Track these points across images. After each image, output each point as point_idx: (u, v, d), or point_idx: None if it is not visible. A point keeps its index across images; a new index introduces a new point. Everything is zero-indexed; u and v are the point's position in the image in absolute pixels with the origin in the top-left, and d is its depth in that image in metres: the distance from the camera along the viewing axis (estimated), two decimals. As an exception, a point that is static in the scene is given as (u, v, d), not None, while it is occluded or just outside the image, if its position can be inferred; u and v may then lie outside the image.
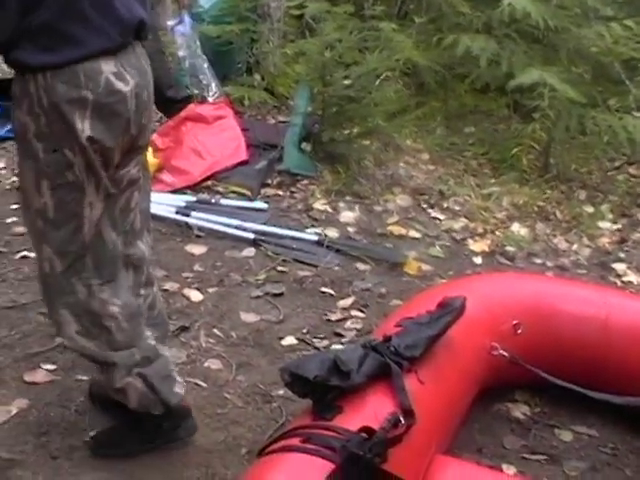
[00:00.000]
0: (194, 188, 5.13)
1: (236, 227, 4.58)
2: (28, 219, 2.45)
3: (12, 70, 2.29)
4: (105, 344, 2.53)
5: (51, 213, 2.35)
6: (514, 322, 3.06)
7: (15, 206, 4.74)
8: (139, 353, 2.59)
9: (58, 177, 2.29)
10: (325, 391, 2.27)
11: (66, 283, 2.44)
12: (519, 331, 3.05)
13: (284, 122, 6.23)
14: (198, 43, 6.34)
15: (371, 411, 2.28)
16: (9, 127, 6.19)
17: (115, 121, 2.30)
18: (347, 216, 5.02)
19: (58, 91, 2.19)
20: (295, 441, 2.14)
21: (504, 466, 2.93)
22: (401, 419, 2.26)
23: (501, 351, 2.93)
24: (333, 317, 3.84)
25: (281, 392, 3.14)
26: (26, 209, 2.43)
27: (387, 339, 2.54)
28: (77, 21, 2.15)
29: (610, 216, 5.57)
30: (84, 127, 2.23)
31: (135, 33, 2.35)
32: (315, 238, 4.58)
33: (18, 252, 4.13)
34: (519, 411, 3.25)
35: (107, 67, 2.24)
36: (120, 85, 2.27)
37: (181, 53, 6.34)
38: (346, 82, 5.65)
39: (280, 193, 5.22)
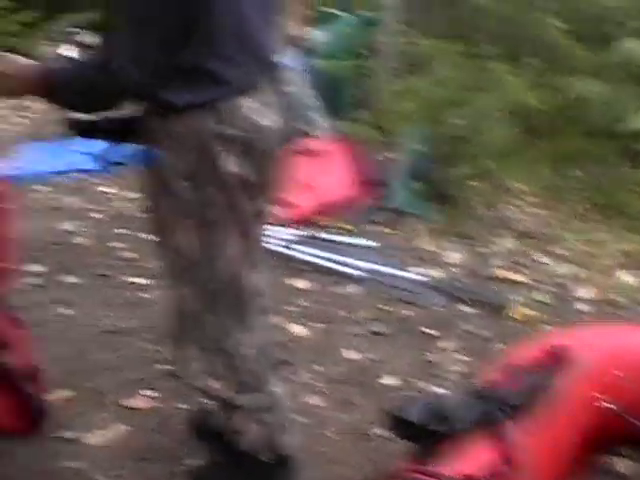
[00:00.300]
0: (301, 222, 5.16)
1: (341, 263, 4.59)
2: (167, 257, 2.43)
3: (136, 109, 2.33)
4: (232, 385, 2.52)
5: (192, 252, 2.33)
6: (621, 374, 3.00)
7: (121, 231, 4.84)
8: (264, 398, 2.58)
9: (201, 216, 2.28)
10: (428, 436, 2.26)
11: (202, 321, 2.43)
12: (626, 384, 2.99)
13: (392, 159, 6.21)
14: (307, 78, 6.38)
15: (473, 458, 2.26)
16: (123, 153, 6.30)
17: (259, 157, 2.30)
18: (453, 257, 4.99)
19: (204, 130, 2.19)
20: (396, 485, 2.13)
21: (607, 522, 2.87)
22: (504, 468, 2.23)
23: (607, 403, 2.87)
24: (435, 359, 3.81)
25: (380, 432, 3.11)
26: (165, 246, 2.41)
27: (492, 386, 2.51)
28: (219, 59, 2.15)
29: None
30: (230, 165, 2.22)
31: (270, 68, 2.37)
32: (420, 278, 4.57)
33: (122, 277, 4.19)
34: (623, 465, 3.17)
35: (250, 104, 2.24)
36: (263, 121, 2.28)
37: (290, 88, 6.38)
38: (456, 122, 5.64)
39: (386, 231, 5.22)
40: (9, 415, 2.90)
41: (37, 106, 10.78)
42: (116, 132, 2.43)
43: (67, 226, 5.11)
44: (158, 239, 2.45)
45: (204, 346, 2.45)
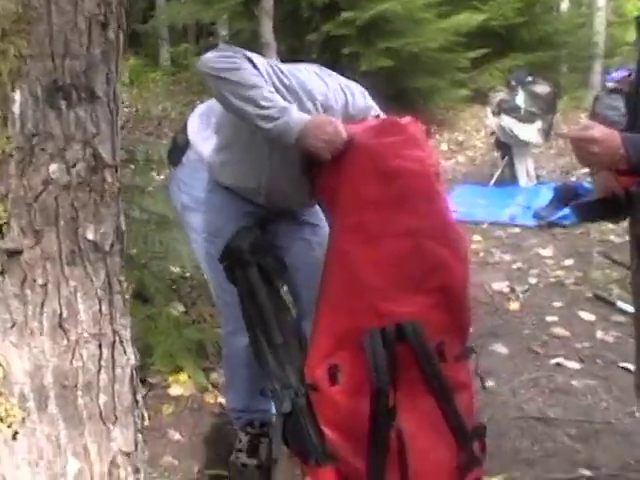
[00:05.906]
0: None
1: None
2: None
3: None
4: None
5: None
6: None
7: (556, 303, 4.53)
8: None
9: None
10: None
11: None
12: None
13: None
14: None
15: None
16: (560, 214, 6.01)
17: None
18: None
19: None
20: None
21: None
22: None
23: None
24: None
25: None
26: None
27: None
28: None
29: None
30: None
31: None
32: None
33: (554, 357, 3.83)
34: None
35: None
36: None
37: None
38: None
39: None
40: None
41: (472, 143, 10.75)
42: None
43: (501, 287, 4.92)
44: None
45: None
